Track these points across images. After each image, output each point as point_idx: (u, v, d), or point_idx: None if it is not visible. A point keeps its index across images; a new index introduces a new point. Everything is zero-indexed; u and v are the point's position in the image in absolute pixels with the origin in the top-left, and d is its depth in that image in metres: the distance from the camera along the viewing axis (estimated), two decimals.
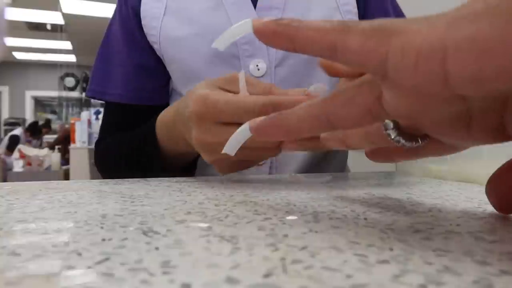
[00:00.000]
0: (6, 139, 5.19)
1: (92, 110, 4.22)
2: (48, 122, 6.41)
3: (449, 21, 0.13)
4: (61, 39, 6.13)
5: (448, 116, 0.16)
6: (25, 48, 7.05)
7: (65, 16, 5.17)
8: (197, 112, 0.34)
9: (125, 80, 0.56)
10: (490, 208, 0.24)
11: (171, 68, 0.55)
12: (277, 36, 0.17)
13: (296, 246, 0.16)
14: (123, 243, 0.16)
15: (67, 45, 6.69)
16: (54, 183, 0.35)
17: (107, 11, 4.61)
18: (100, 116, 3.67)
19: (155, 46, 0.54)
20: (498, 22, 0.12)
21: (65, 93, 7.96)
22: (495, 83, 0.12)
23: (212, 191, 0.31)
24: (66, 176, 4.01)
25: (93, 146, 0.62)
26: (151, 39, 0.54)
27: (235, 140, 0.25)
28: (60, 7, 4.79)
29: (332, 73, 0.27)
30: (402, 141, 0.19)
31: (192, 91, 0.36)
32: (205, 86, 0.35)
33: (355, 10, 0.55)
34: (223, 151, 0.25)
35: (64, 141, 4.69)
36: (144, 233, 0.18)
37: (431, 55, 0.13)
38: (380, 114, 0.17)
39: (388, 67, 0.15)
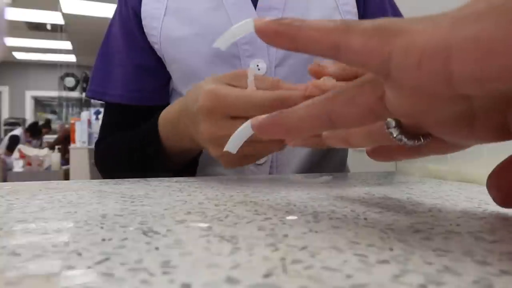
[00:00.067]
0: (6, 139, 5.19)
1: (92, 110, 4.22)
2: (48, 122, 6.41)
3: (453, 21, 0.13)
4: (61, 39, 6.13)
5: (451, 115, 0.16)
6: (25, 48, 7.05)
7: (65, 16, 5.17)
8: (207, 106, 0.35)
9: (125, 80, 0.56)
10: (490, 208, 0.24)
11: (172, 68, 0.55)
12: (279, 35, 0.17)
13: (296, 246, 0.16)
14: (123, 243, 0.16)
15: (67, 45, 6.69)
16: (54, 183, 0.35)
17: (107, 11, 4.61)
18: (100, 116, 3.67)
19: (156, 47, 0.54)
20: (502, 22, 0.12)
21: (65, 93, 7.96)
22: (499, 82, 0.12)
23: (212, 191, 0.31)
24: (66, 176, 4.01)
25: (93, 146, 0.62)
26: (151, 39, 0.54)
27: (237, 138, 0.25)
28: (60, 7, 4.79)
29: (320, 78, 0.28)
30: (404, 139, 0.19)
31: (199, 86, 0.36)
32: (212, 81, 0.36)
33: (355, 10, 0.55)
34: (225, 149, 0.25)
35: (64, 141, 4.69)
36: (144, 233, 0.18)
37: (435, 55, 0.13)
38: (383, 113, 0.17)
39: (391, 67, 0.15)
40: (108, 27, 0.60)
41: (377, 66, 0.15)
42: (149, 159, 0.47)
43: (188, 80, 0.53)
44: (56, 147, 4.61)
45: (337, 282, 0.12)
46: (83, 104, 7.86)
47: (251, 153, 0.36)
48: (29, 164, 3.94)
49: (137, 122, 0.52)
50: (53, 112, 8.97)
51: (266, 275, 0.12)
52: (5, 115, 8.15)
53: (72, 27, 5.68)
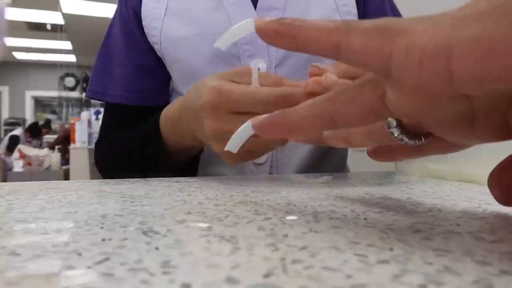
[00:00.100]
0: (6, 139, 5.19)
1: (92, 110, 4.22)
2: (48, 122, 6.41)
3: (454, 21, 0.13)
4: (61, 39, 6.13)
5: (452, 115, 0.16)
6: (25, 48, 7.05)
7: (65, 16, 5.17)
8: (211, 102, 0.35)
9: (125, 80, 0.56)
10: (490, 208, 0.24)
11: (172, 68, 0.55)
12: (280, 35, 0.17)
13: (296, 246, 0.16)
14: (123, 243, 0.16)
15: (67, 45, 6.69)
16: (54, 183, 0.35)
17: (107, 11, 4.61)
18: (100, 116, 3.67)
19: (156, 47, 0.54)
20: (502, 22, 0.12)
21: (65, 93, 7.96)
22: (499, 82, 0.12)
23: (212, 191, 0.31)
24: (66, 176, 4.01)
25: (93, 146, 0.62)
26: (151, 39, 0.54)
27: (238, 137, 0.25)
28: (60, 7, 4.79)
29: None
30: (405, 139, 0.19)
31: (203, 83, 0.37)
32: (215, 78, 0.36)
33: (355, 11, 0.55)
34: (225, 149, 0.25)
35: (64, 141, 4.69)
36: (144, 233, 0.18)
37: (436, 55, 0.13)
38: (384, 113, 0.18)
39: (391, 67, 0.15)
40: (108, 27, 0.60)
41: (378, 66, 0.15)
42: (149, 159, 0.47)
43: (188, 80, 0.53)
44: (56, 147, 4.61)
45: (337, 282, 0.12)
46: (83, 104, 7.87)
47: (253, 148, 0.37)
48: (29, 164, 3.94)
49: (137, 122, 0.52)
50: (53, 112, 8.97)
51: (266, 275, 0.12)
52: (5, 115, 8.15)
53: (72, 27, 5.68)
